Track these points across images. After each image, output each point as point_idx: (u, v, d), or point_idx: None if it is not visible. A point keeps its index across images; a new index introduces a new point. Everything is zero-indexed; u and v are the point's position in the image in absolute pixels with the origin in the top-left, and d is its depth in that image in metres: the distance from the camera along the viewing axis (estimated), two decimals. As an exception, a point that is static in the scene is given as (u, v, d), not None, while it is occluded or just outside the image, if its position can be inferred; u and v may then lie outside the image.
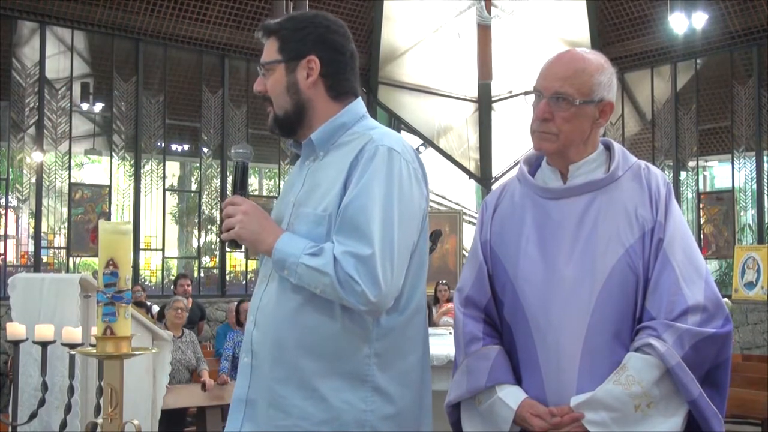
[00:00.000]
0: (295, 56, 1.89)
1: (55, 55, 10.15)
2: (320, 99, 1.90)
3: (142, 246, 10.65)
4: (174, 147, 11.80)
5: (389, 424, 1.78)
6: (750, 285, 9.89)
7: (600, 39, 11.90)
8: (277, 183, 12.50)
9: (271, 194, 12.59)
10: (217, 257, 11.33)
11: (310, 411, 1.75)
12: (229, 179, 11.20)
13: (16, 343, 3.43)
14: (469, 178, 13.56)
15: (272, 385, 1.80)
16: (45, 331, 3.37)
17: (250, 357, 1.86)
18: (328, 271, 1.71)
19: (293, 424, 1.76)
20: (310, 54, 1.89)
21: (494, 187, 13.13)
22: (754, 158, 10.64)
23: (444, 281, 9.76)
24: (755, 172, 10.63)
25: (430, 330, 4.51)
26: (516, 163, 12.46)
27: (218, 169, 11.26)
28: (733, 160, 10.87)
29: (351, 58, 1.94)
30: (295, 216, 1.86)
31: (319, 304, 1.77)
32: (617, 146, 1.95)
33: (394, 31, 12.93)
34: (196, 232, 11.68)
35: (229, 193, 10.70)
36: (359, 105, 1.95)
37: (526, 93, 1.92)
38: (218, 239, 11.17)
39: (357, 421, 1.75)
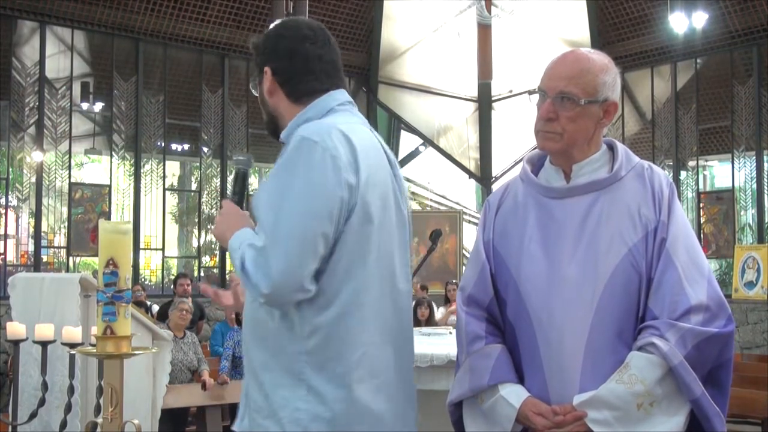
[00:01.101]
0: (259, 71, 1.99)
1: (55, 54, 10.15)
2: (283, 105, 1.96)
3: (142, 245, 10.66)
4: (174, 146, 11.80)
5: (321, 425, 1.73)
6: (750, 284, 9.89)
7: (600, 38, 11.90)
8: (277, 182, 12.49)
9: (271, 194, 12.58)
10: (217, 257, 11.34)
11: (260, 404, 1.80)
12: (230, 179, 11.21)
13: (16, 343, 3.42)
14: (469, 178, 13.57)
15: (245, 375, 1.89)
16: (45, 330, 3.36)
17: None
18: (236, 263, 1.77)
19: (250, 417, 1.82)
20: (265, 65, 1.96)
21: (494, 186, 13.16)
22: (754, 158, 10.65)
23: (454, 281, 9.77)
24: (755, 172, 10.63)
25: (430, 330, 4.52)
26: (516, 163, 12.48)
27: (218, 169, 11.27)
28: (733, 159, 10.88)
29: (307, 59, 1.92)
30: None
31: None
32: (620, 146, 1.95)
33: (394, 30, 12.93)
34: (196, 231, 11.68)
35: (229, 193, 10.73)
36: (329, 99, 1.93)
37: (530, 93, 1.92)
38: (218, 239, 11.18)
39: (292, 420, 1.74)
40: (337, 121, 1.86)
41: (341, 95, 1.95)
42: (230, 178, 11.16)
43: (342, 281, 1.76)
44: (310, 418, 1.73)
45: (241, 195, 1.98)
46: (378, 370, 1.80)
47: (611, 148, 1.95)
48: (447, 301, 9.51)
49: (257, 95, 2.05)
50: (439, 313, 9.36)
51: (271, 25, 2.06)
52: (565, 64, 1.88)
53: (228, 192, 1.99)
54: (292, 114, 1.94)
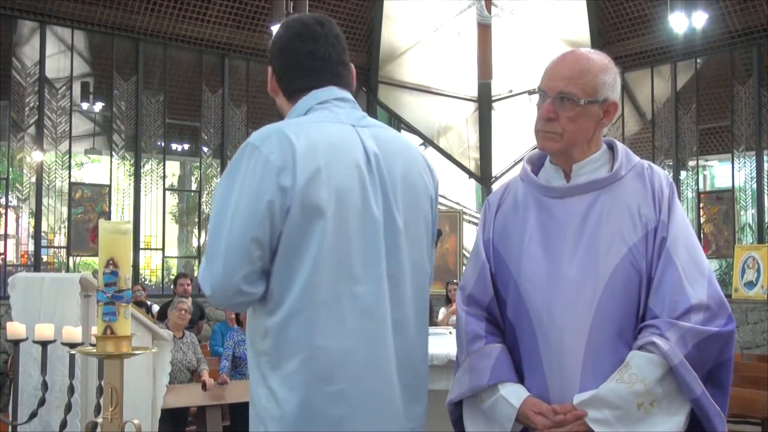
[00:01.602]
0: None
1: (55, 54, 10.15)
2: (283, 102, 1.97)
3: (142, 245, 10.66)
4: (174, 146, 11.81)
5: (277, 425, 1.74)
6: (750, 284, 9.90)
7: (600, 38, 11.90)
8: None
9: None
10: (217, 257, 11.32)
11: (251, 400, 1.85)
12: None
13: (16, 343, 3.42)
14: (469, 178, 13.57)
15: None
16: (45, 330, 3.36)
17: None
18: None
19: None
20: (270, 64, 1.98)
21: (494, 186, 13.16)
22: (754, 158, 10.65)
23: (455, 281, 9.77)
24: (755, 172, 10.63)
25: (430, 330, 4.51)
26: (516, 163, 12.48)
27: (218, 169, 11.26)
28: (733, 159, 10.88)
29: (297, 56, 1.91)
30: None
31: None
32: (620, 146, 1.96)
33: (394, 30, 12.94)
34: (196, 231, 11.68)
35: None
36: (310, 98, 1.90)
37: (530, 93, 1.92)
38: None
39: (258, 417, 1.79)
40: (305, 120, 1.85)
41: (325, 93, 1.91)
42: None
43: (288, 283, 1.75)
44: (269, 417, 1.76)
45: None
46: (336, 375, 1.74)
47: (611, 147, 1.95)
48: (448, 301, 9.50)
49: None
50: (440, 313, 9.35)
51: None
52: (565, 65, 1.88)
53: None
54: (288, 112, 1.95)
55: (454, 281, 9.76)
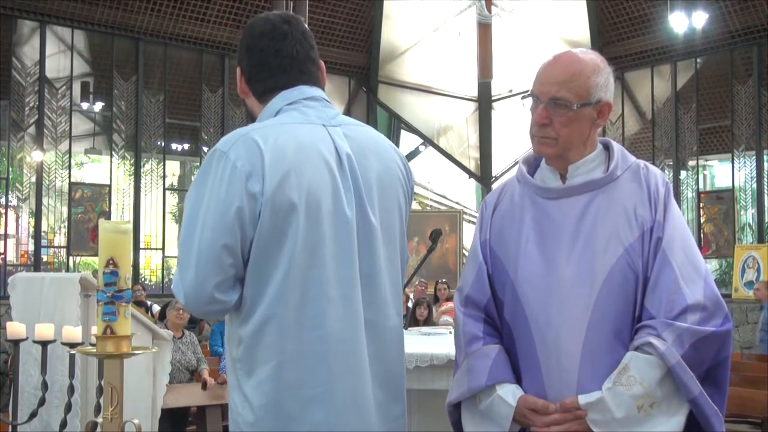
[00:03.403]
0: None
1: (55, 54, 10.17)
2: (254, 103, 1.94)
3: (142, 245, 10.68)
4: (174, 146, 11.82)
5: (251, 430, 1.75)
6: (750, 284, 9.90)
7: (600, 38, 11.91)
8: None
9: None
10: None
11: (229, 405, 1.85)
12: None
13: (16, 343, 3.43)
14: (469, 178, 13.58)
15: None
16: (45, 330, 3.37)
17: None
18: None
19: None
20: (238, 65, 1.97)
21: (494, 186, 13.16)
22: (754, 157, 10.66)
23: (444, 280, 9.78)
24: (755, 172, 10.65)
25: (430, 329, 4.52)
26: (516, 162, 12.48)
27: (218, 169, 11.26)
28: (733, 159, 10.89)
29: (263, 55, 1.89)
30: None
31: None
32: (616, 146, 1.95)
33: (394, 30, 12.95)
34: (196, 231, 11.66)
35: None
36: (279, 100, 1.88)
37: (523, 97, 1.91)
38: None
39: (235, 423, 1.78)
40: (273, 122, 1.83)
41: (295, 93, 1.88)
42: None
43: (261, 289, 1.73)
44: (244, 423, 1.75)
45: None
46: (310, 380, 1.73)
47: (607, 147, 1.95)
48: (436, 300, 9.48)
49: None
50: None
51: None
52: (556, 68, 1.87)
53: None
54: (259, 113, 1.92)
55: (443, 280, 9.75)
